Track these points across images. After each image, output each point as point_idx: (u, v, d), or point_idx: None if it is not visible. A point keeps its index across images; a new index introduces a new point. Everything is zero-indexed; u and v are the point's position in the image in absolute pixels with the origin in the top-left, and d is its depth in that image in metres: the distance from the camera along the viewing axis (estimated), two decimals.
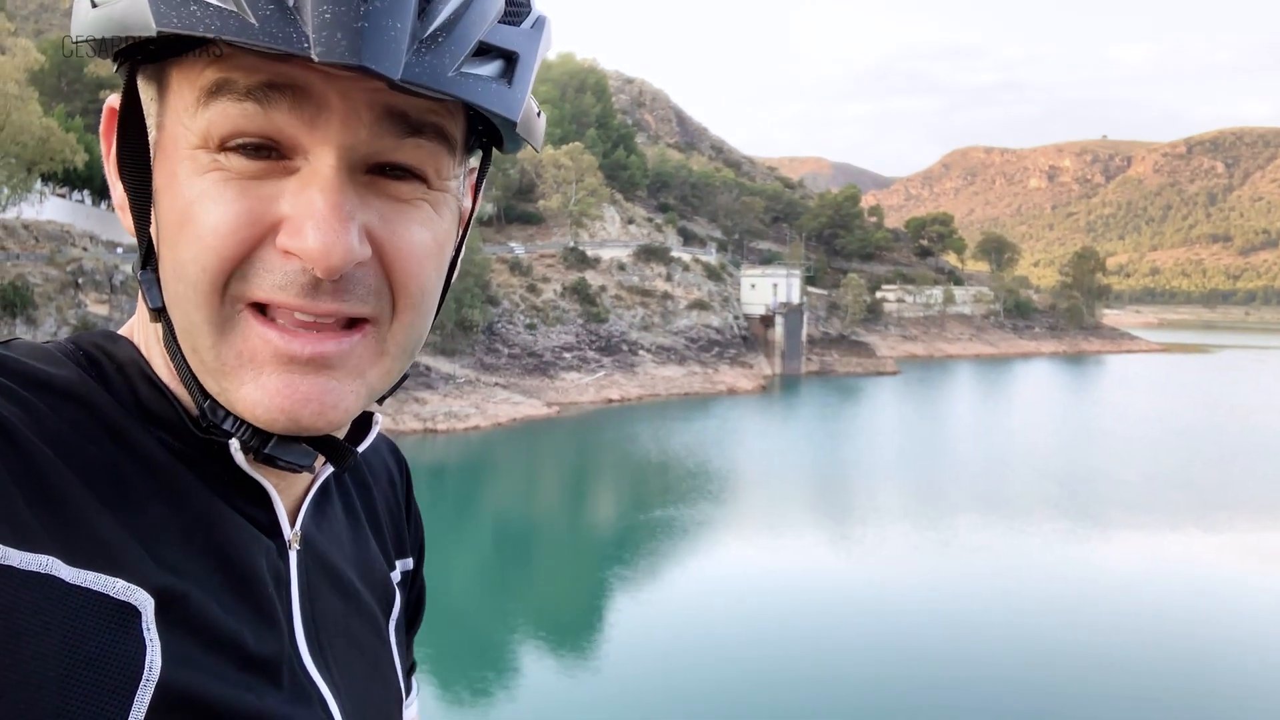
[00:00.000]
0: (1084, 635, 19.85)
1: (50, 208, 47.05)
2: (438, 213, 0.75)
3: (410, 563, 1.10)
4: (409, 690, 1.09)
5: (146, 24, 0.63)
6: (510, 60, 0.70)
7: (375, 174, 0.71)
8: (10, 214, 43.04)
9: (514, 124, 0.70)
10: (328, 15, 0.61)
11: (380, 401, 0.84)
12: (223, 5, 0.61)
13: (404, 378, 0.81)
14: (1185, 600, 22.38)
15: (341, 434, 0.84)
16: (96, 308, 40.77)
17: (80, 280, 41.39)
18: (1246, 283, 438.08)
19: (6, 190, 40.20)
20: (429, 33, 0.64)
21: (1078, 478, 37.17)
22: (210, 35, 0.61)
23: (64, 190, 50.12)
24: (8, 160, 39.08)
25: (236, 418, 0.74)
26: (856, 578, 24.24)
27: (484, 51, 0.68)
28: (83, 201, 51.51)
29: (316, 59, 0.60)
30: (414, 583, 1.12)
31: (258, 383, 0.71)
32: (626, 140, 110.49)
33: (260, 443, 0.75)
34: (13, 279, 38.88)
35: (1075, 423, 52.99)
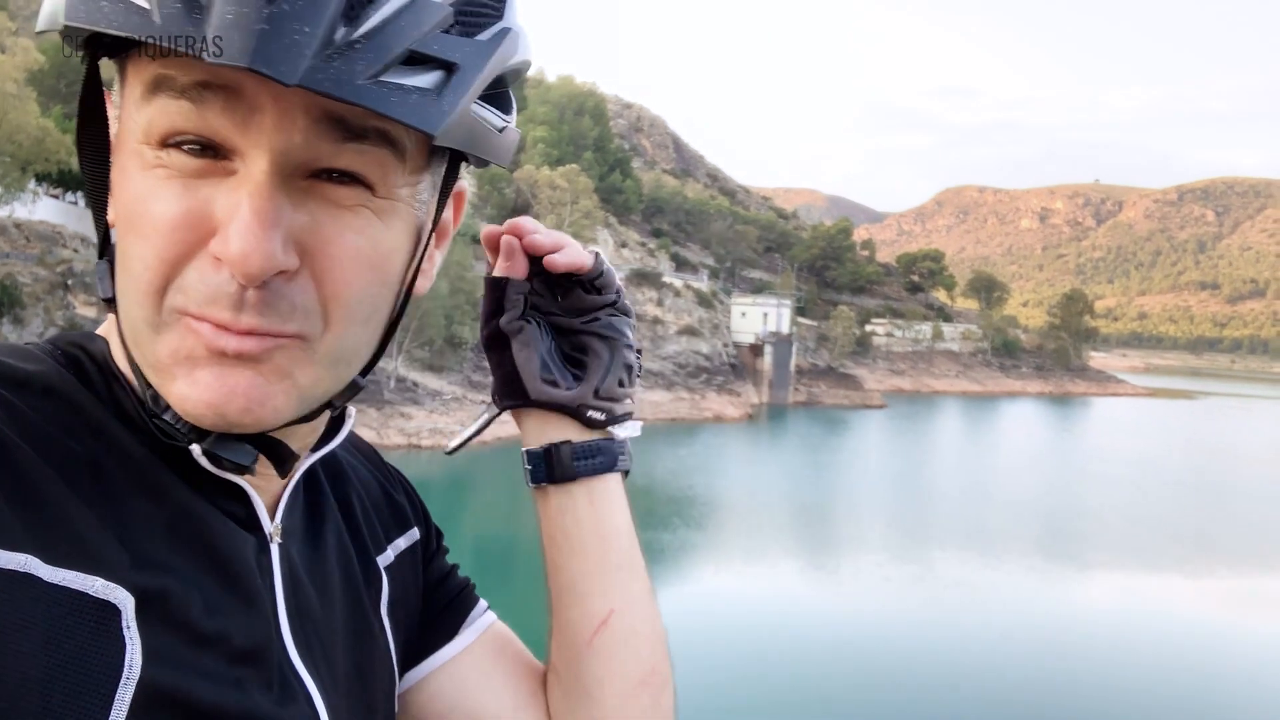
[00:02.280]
0: (1058, 672, 19.83)
1: (43, 208, 46.88)
2: (383, 221, 0.73)
3: (416, 533, 1.10)
4: (469, 609, 1.13)
5: (56, 18, 0.64)
6: (450, 71, 0.67)
7: (317, 179, 0.70)
8: (2, 213, 42.93)
9: (432, 137, 0.67)
10: (229, 16, 0.59)
11: (331, 408, 0.83)
12: (132, 1, 0.61)
13: (356, 387, 0.81)
14: (1161, 642, 22.39)
15: (300, 443, 0.84)
16: (85, 309, 40.62)
17: (70, 282, 41.25)
18: (1233, 331, 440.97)
19: (0, 189, 40.12)
20: (348, 39, 0.62)
21: (1059, 517, 37.21)
22: (111, 31, 0.61)
23: (57, 191, 49.99)
24: (2, 159, 39.02)
25: (175, 413, 0.73)
26: (833, 608, 24.19)
27: (419, 61, 0.65)
28: (76, 203, 51.36)
29: (208, 60, 0.59)
30: (427, 548, 1.12)
31: (190, 378, 0.70)
32: (623, 164, 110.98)
33: (197, 437, 0.75)
34: (1, 278, 38.75)
35: (1059, 464, 53.11)
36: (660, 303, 73.25)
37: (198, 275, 0.68)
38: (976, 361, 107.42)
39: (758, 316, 78.40)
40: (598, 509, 1.05)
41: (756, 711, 17.38)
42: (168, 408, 0.74)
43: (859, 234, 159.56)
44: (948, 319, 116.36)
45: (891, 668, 19.89)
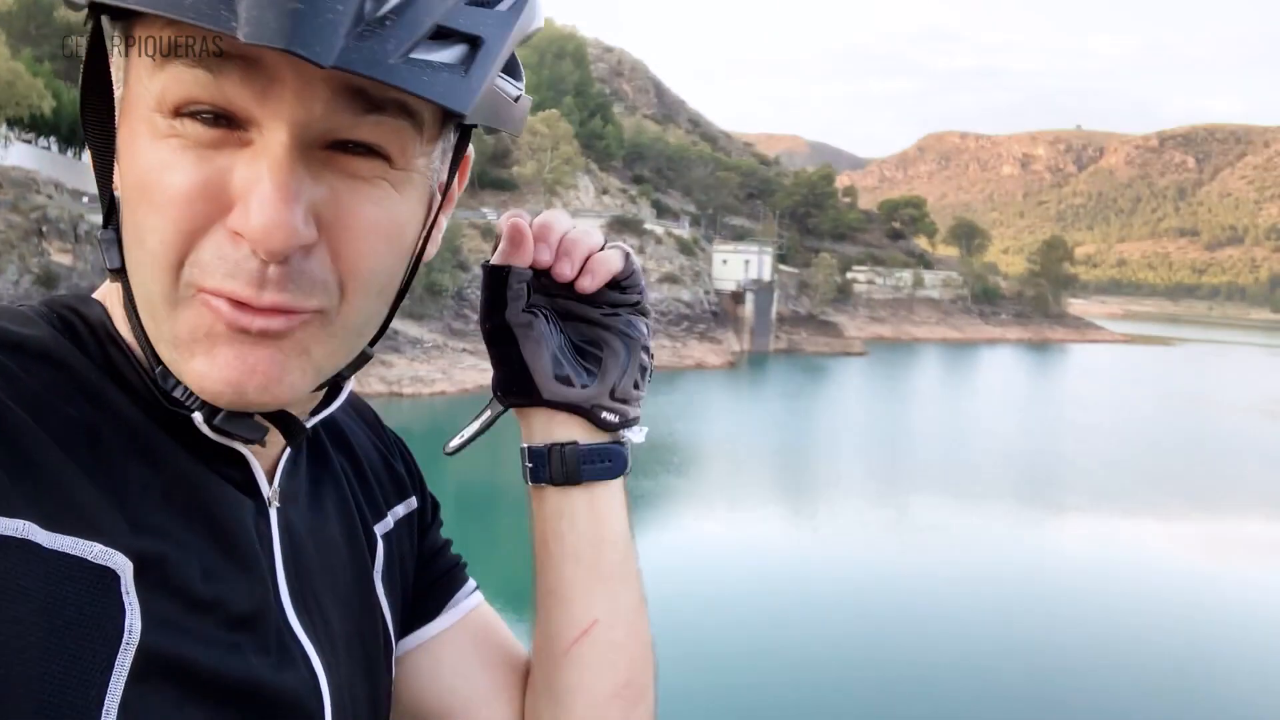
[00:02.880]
0: (1034, 614, 20.15)
1: (15, 153, 46.21)
2: (400, 193, 0.73)
3: (414, 501, 1.10)
4: (458, 587, 1.12)
5: None
6: (474, 45, 0.66)
7: (334, 150, 0.69)
8: None
9: (462, 116, 0.66)
10: None
11: (340, 379, 0.83)
12: None
13: (366, 357, 0.81)
14: (1136, 585, 22.76)
15: (301, 410, 0.83)
16: (60, 257, 40.19)
17: (44, 229, 40.73)
18: (1211, 278, 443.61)
19: None
20: (379, 15, 0.61)
21: (1036, 463, 37.62)
22: (137, 9, 0.60)
23: (30, 136, 49.26)
24: None
25: (186, 387, 0.73)
26: (813, 553, 24.46)
27: (445, 36, 0.64)
28: (49, 148, 50.67)
29: (242, 39, 0.57)
30: (423, 513, 1.12)
31: (209, 355, 0.69)
32: (603, 110, 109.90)
33: (209, 414, 0.74)
34: None
35: (1037, 410, 53.57)
36: (642, 250, 72.92)
37: (215, 250, 0.67)
38: (956, 309, 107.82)
39: (739, 264, 78.29)
40: (598, 514, 1.02)
41: (736, 657, 17.62)
42: (178, 384, 0.73)
43: (841, 180, 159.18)
44: (929, 266, 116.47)
45: (868, 611, 20.17)
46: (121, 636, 0.64)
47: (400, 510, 1.07)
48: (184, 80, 0.65)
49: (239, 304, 0.68)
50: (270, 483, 0.85)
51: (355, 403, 1.09)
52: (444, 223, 0.85)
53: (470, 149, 0.85)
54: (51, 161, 49.47)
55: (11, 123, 43.69)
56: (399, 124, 0.70)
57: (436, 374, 47.30)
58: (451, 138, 0.79)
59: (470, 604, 1.12)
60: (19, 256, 38.95)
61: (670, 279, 71.56)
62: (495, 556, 24.30)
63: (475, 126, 0.80)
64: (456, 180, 0.85)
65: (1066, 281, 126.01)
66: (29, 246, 39.70)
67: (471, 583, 1.16)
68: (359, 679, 0.92)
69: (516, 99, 0.78)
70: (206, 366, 0.69)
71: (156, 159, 0.67)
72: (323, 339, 0.73)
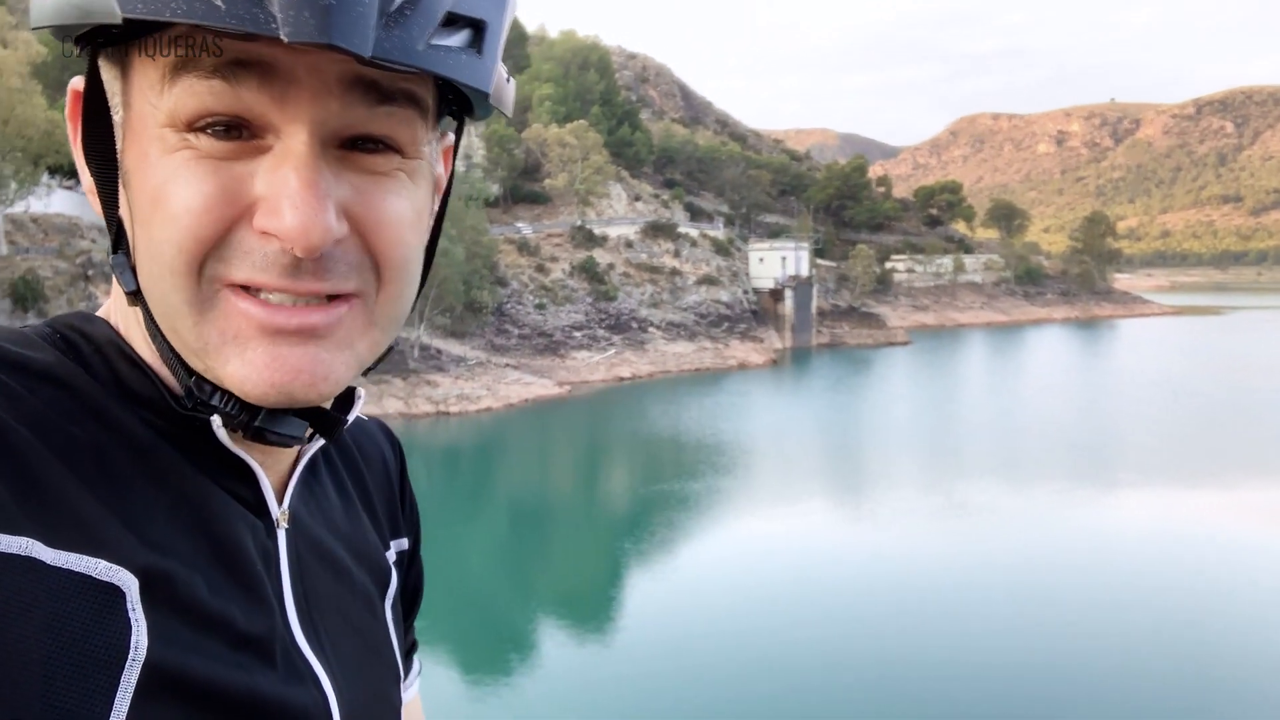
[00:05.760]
0: (1092, 589, 19.88)
1: (58, 201, 47.11)
2: (414, 182, 0.75)
3: (405, 543, 1.10)
4: (409, 669, 1.12)
5: (110, 10, 0.62)
6: (478, 29, 0.68)
7: (348, 148, 0.71)
8: (18, 208, 43.14)
9: (486, 95, 0.70)
10: None
11: (365, 374, 0.82)
12: None
13: (390, 350, 0.81)
14: (1200, 559, 22.36)
15: (328, 406, 0.84)
16: (107, 299, 40.93)
17: (90, 272, 41.56)
18: (1258, 243, 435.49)
19: (14, 184, 40.29)
20: (396, 5, 0.63)
21: (1089, 440, 37.11)
22: (176, 20, 0.60)
23: (70, 183, 50.20)
24: (14, 154, 39.16)
25: (224, 393, 0.73)
26: (869, 546, 24.28)
27: (451, 21, 0.67)
28: None
29: (285, 39, 0.59)
30: (411, 563, 1.12)
31: (244, 358, 0.70)
32: (631, 117, 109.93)
33: (249, 417, 0.75)
34: (23, 273, 39.06)
35: (1089, 387, 52.86)
36: (677, 254, 73.00)
37: (240, 247, 0.68)
38: (1000, 291, 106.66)
39: (776, 261, 77.95)
40: None
41: (793, 654, 17.53)
42: (214, 391, 0.73)
43: (874, 170, 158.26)
44: (969, 250, 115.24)
45: (925, 600, 19.98)
46: (127, 653, 0.64)
47: (394, 546, 1.08)
48: (198, 92, 0.65)
49: (270, 306, 0.69)
50: (280, 503, 0.85)
51: (389, 437, 1.12)
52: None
53: (450, 138, 0.88)
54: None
55: (52, 171, 44.52)
56: (409, 113, 0.72)
57: (482, 390, 47.55)
58: (446, 126, 0.82)
59: (411, 694, 1.12)
60: (67, 301, 39.71)
61: (708, 281, 71.46)
62: (547, 568, 24.42)
63: (467, 115, 0.80)
64: (447, 169, 0.88)
65: (1110, 256, 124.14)
66: (76, 291, 40.49)
67: (415, 670, 1.16)
68: (371, 702, 0.91)
69: (508, 80, 0.79)
70: (245, 370, 0.70)
71: (168, 172, 0.67)
72: (365, 331, 0.75)
